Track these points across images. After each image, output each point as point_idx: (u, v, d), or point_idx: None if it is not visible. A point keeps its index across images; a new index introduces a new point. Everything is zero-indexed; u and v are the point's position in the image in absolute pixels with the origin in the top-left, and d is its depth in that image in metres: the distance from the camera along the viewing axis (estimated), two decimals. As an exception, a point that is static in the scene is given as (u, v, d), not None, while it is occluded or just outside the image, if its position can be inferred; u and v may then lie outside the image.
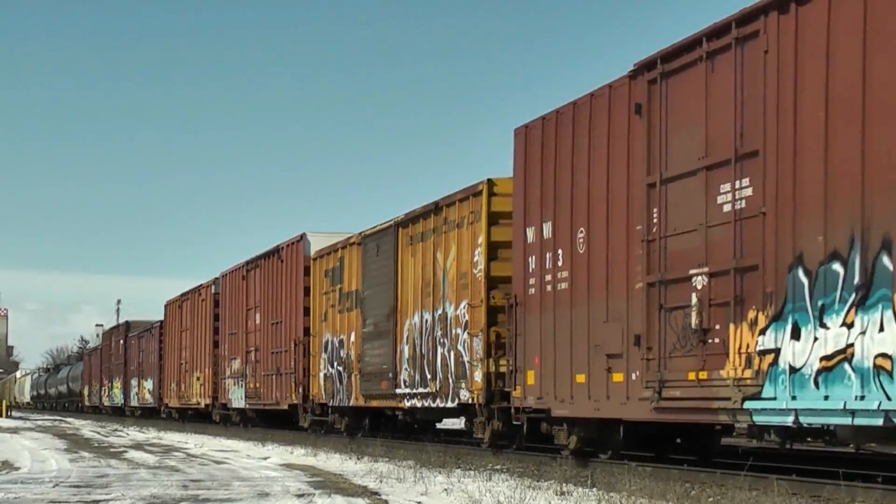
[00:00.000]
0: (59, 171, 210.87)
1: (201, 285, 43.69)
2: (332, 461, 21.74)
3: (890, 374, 11.69)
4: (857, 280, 12.15)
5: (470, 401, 21.20)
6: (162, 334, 51.25)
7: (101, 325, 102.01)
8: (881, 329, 11.81)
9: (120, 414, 63.50)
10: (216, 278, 41.46)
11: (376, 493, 15.14)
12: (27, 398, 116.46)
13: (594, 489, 14.88)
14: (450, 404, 22.04)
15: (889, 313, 11.72)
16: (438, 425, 28.91)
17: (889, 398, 11.69)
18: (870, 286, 11.98)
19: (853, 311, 12.16)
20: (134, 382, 58.20)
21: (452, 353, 21.93)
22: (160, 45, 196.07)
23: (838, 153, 12.45)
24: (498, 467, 18.68)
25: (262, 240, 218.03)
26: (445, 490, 15.29)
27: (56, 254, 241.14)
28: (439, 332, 22.58)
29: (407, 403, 24.13)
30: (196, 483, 17.14)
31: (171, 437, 35.18)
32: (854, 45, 12.29)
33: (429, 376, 22.95)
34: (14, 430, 42.71)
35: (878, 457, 17.53)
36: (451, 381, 21.98)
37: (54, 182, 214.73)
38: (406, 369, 24.08)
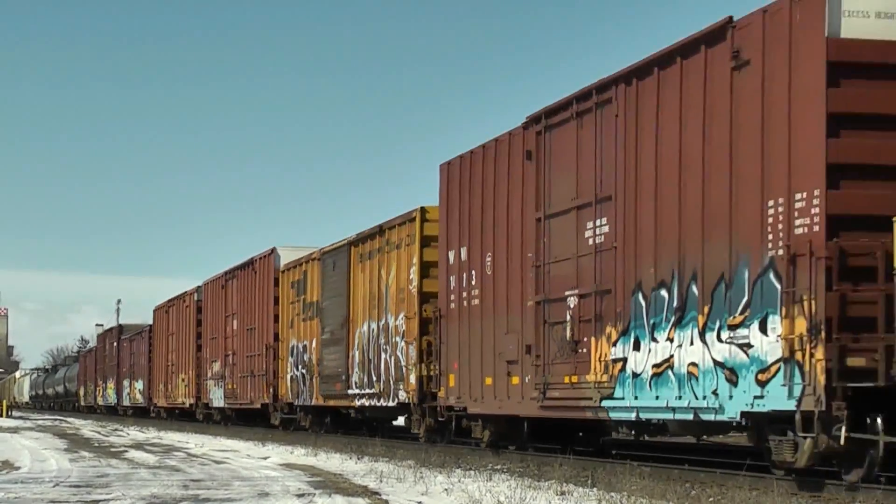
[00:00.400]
0: (59, 171, 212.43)
1: (186, 292, 46.81)
2: (333, 461, 21.71)
3: (696, 378, 14.81)
4: (675, 304, 15.26)
5: (406, 400, 24.32)
6: (151, 338, 54.37)
7: (101, 325, 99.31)
8: (692, 343, 14.92)
9: (113, 413, 66.62)
10: (199, 286, 44.53)
11: (377, 493, 15.14)
12: (26, 398, 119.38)
13: (594, 489, 14.90)
14: (391, 403, 25.17)
15: (696, 331, 14.83)
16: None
17: (696, 397, 14.81)
18: (684, 309, 15.10)
19: (673, 328, 15.27)
20: (126, 383, 61.34)
21: (393, 359, 25.05)
22: (159, 45, 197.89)
23: (664, 203, 15.57)
24: (498, 467, 18.80)
25: (262, 239, 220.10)
26: (446, 490, 15.28)
27: (56, 254, 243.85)
28: (383, 340, 25.69)
29: (357, 403, 27.26)
30: (196, 483, 17.11)
31: (172, 437, 34.98)
32: (673, 116, 15.40)
33: (374, 378, 26.08)
34: (14, 430, 42.59)
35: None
36: (391, 383, 25.11)
37: (54, 182, 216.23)
38: (357, 372, 27.20)
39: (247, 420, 38.95)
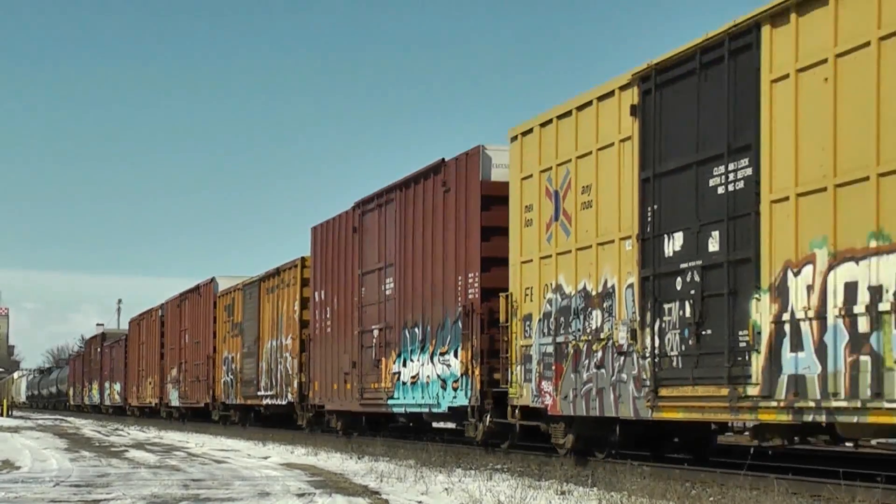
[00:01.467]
0: (59, 172, 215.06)
1: (153, 309, 55.28)
2: (333, 460, 21.97)
3: (428, 385, 23.25)
4: (420, 338, 23.70)
5: (292, 400, 32.79)
6: (126, 346, 62.86)
7: (102, 325, 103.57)
8: (427, 363, 23.37)
9: (97, 412, 75.15)
10: (163, 304, 53.00)
11: (377, 493, 15.19)
12: (23, 398, 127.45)
13: (595, 489, 14.95)
14: (283, 402, 33.63)
15: (428, 355, 23.27)
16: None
17: (429, 397, 23.26)
18: (424, 341, 23.54)
19: (419, 353, 23.72)
20: (107, 385, 69.87)
21: (283, 369, 33.51)
22: (159, 46, 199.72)
23: (416, 273, 24.01)
24: (498, 467, 18.93)
25: (263, 237, 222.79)
26: (446, 489, 15.32)
27: (56, 254, 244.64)
28: (279, 355, 34.15)
29: (264, 402, 35.75)
30: (197, 482, 17.16)
31: (172, 437, 35.35)
32: (419, 218, 23.85)
33: (273, 384, 34.55)
34: (15, 430, 42.91)
35: (879, 456, 18.70)
36: (284, 387, 33.56)
37: (54, 182, 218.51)
38: (263, 378, 35.65)
39: (195, 417, 47.37)
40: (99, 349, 74.17)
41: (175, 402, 49.32)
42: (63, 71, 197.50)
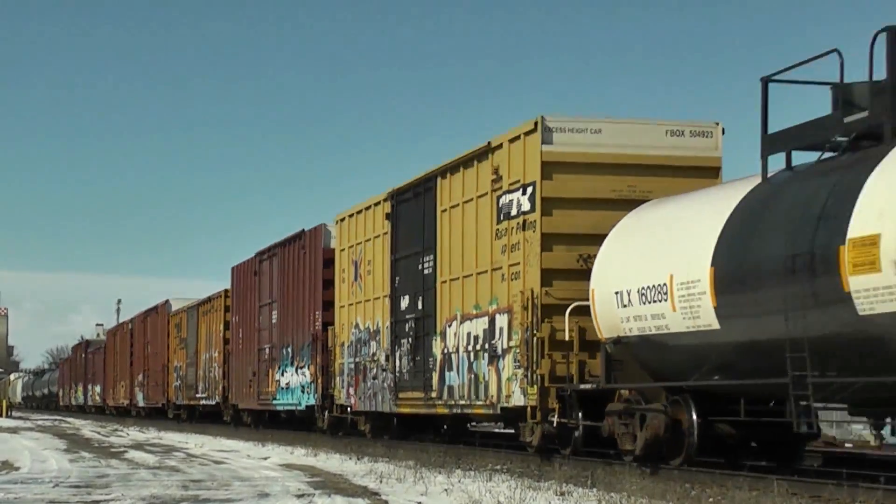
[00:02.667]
0: (59, 171, 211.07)
1: (125, 322, 64.69)
2: (332, 461, 22.08)
3: (292, 390, 32.58)
4: (291, 355, 33.06)
5: (218, 400, 42.17)
6: (105, 353, 72.21)
7: (102, 325, 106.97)
8: (293, 374, 32.69)
9: (80, 411, 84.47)
10: (132, 318, 62.35)
11: (376, 494, 15.21)
12: (19, 398, 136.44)
13: (594, 489, 15.00)
14: (212, 402, 43.01)
15: (294, 369, 32.59)
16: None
17: (295, 398, 32.61)
18: (291, 357, 32.90)
19: (289, 367, 33.05)
20: (90, 387, 79.24)
21: (213, 375, 42.87)
22: (159, 45, 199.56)
23: (287, 307, 33.36)
24: (498, 467, 18.95)
25: (261, 237, 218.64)
26: (445, 490, 15.39)
27: (56, 254, 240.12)
28: (210, 364, 43.52)
29: (200, 402, 45.15)
30: (196, 483, 17.20)
31: (172, 438, 35.80)
32: (291, 269, 33.23)
33: (206, 387, 43.91)
34: (14, 430, 43.47)
35: (881, 457, 18.81)
36: (213, 390, 42.91)
37: (54, 182, 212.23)
38: (200, 383, 45.01)
39: (155, 415, 56.72)
40: (83, 355, 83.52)
41: (141, 403, 58.68)
42: (63, 70, 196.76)
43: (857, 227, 12.67)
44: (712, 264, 15.13)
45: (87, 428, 47.17)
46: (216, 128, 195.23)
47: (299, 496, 14.94)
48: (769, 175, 15.19)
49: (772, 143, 15.19)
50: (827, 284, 13.02)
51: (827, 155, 14.64)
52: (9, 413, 71.97)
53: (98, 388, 75.31)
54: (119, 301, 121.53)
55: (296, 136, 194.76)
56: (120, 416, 66.24)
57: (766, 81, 15.22)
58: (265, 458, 23.58)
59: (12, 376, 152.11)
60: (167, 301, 52.84)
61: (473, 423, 27.43)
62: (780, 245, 13.86)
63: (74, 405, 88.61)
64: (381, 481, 17.00)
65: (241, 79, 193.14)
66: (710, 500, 13.76)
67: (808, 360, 13.50)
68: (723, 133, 19.56)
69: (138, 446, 29.54)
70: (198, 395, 45.38)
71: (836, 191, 13.32)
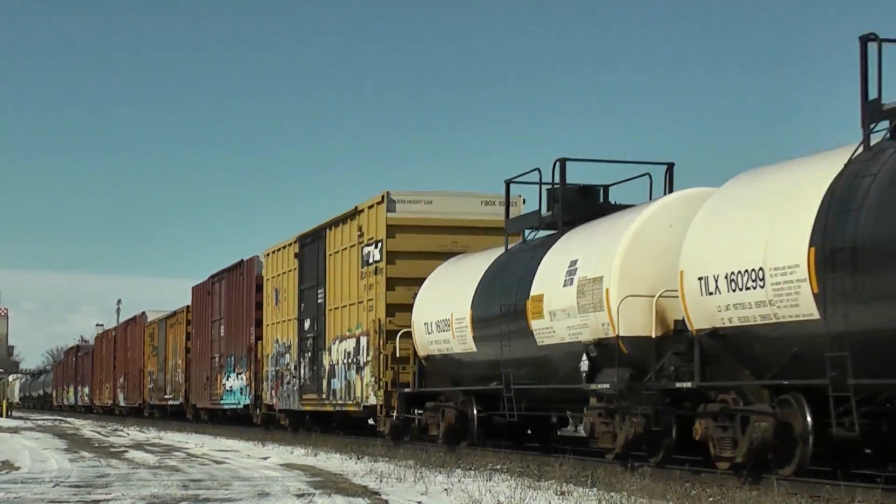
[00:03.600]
0: (58, 171, 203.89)
1: (109, 330, 71.57)
2: (332, 461, 22.15)
3: (235, 391, 39.41)
4: (234, 364, 39.89)
5: (182, 401, 48.99)
6: (93, 357, 79.08)
7: (101, 325, 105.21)
8: (234, 379, 39.50)
9: (73, 410, 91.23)
10: (115, 327, 69.24)
11: (376, 493, 15.27)
12: (17, 399, 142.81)
13: (594, 489, 15.02)
14: (177, 402, 49.85)
15: (235, 374, 39.42)
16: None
17: (237, 399, 39.42)
18: (234, 366, 39.72)
19: (233, 373, 39.86)
20: (80, 388, 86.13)
21: (178, 379, 49.70)
22: (159, 45, 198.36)
23: (230, 323, 40.19)
24: (498, 467, 19.06)
25: (262, 236, 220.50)
26: (445, 490, 15.46)
27: (55, 254, 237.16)
28: (175, 370, 50.35)
29: (168, 403, 52.00)
30: (196, 483, 17.20)
31: (172, 437, 35.96)
32: (230, 292, 40.09)
33: (172, 389, 50.74)
34: (14, 430, 43.78)
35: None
36: (178, 392, 49.71)
37: (54, 181, 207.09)
38: (169, 386, 51.82)
39: (133, 413, 63.51)
40: (74, 358, 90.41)
41: (122, 403, 65.55)
42: (63, 70, 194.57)
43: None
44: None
45: (87, 428, 47.41)
46: (217, 128, 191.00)
47: (299, 496, 14.98)
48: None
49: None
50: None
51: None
52: (9, 413, 72.98)
53: (87, 390, 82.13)
54: (119, 301, 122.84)
55: (298, 140, 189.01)
56: (105, 414, 73.06)
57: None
58: (265, 458, 23.81)
59: (10, 377, 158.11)
60: (143, 313, 59.66)
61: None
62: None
63: (66, 405, 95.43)
64: (381, 481, 17.07)
65: (246, 78, 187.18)
66: (710, 499, 13.74)
67: None
68: (523, 202, 26.19)
69: (138, 446, 29.92)
70: (166, 397, 52.20)
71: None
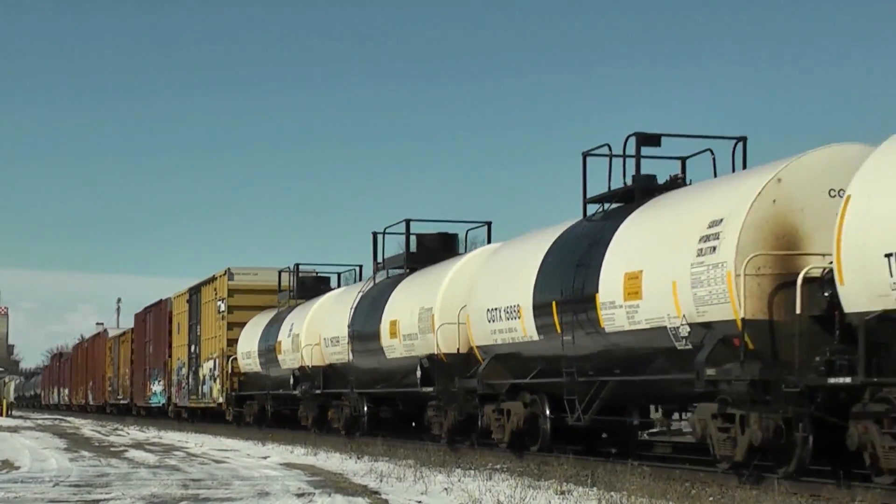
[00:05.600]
0: (58, 171, 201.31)
1: (85, 340, 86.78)
2: (332, 460, 22.04)
3: (156, 394, 54.44)
4: (157, 374, 54.90)
5: (129, 401, 64.15)
6: (72, 364, 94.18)
7: (102, 324, 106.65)
8: (157, 384, 54.60)
9: (56, 409, 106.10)
10: (88, 338, 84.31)
11: (376, 493, 15.26)
12: (12, 399, 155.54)
13: (594, 488, 14.97)
14: (125, 402, 65.01)
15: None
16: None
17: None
18: (159, 376, 54.75)
19: (154, 380, 54.92)
20: (61, 390, 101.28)
21: (125, 383, 64.77)
22: (159, 45, 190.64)
23: (152, 349, 55.27)
24: (498, 467, 18.93)
25: (262, 235, 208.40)
26: (445, 489, 15.42)
27: (55, 253, 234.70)
28: (125, 377, 65.42)
29: (120, 402, 67.16)
30: (196, 482, 17.17)
31: (172, 437, 35.82)
32: (157, 325, 55.17)
33: (123, 392, 65.84)
34: (14, 429, 44.03)
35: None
36: (126, 393, 64.73)
37: (54, 182, 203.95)
38: (120, 389, 66.90)
39: (100, 411, 78.45)
40: (59, 363, 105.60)
41: (91, 402, 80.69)
42: (62, 70, 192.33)
43: None
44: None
45: (87, 427, 48.48)
46: (217, 128, 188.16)
47: (299, 495, 14.90)
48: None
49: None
50: None
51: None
52: (9, 412, 76.33)
53: (66, 391, 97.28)
54: (119, 301, 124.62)
55: (300, 140, 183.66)
56: (81, 412, 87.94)
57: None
58: (265, 458, 23.71)
59: (6, 378, 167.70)
60: (105, 329, 74.85)
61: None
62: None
63: (52, 404, 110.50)
64: (381, 480, 17.00)
65: (246, 78, 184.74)
66: (710, 499, 13.68)
67: None
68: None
69: (138, 445, 29.89)
70: (118, 397, 67.24)
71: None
